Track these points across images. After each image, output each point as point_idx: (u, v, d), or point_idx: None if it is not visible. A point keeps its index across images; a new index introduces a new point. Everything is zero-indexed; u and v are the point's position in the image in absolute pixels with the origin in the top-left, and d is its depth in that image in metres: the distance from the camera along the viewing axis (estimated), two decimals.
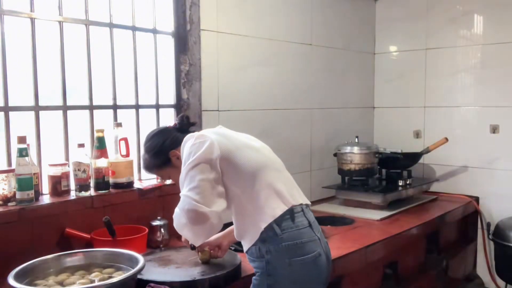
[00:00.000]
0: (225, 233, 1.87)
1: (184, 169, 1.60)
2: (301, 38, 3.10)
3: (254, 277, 1.67)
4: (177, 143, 1.76)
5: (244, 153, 1.66)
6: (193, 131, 1.80)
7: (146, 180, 2.41)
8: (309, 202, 1.77)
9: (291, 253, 1.61)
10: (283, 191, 1.66)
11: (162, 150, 1.78)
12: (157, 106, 2.50)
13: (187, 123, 1.86)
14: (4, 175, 1.88)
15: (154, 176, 2.39)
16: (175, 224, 1.65)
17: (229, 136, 1.72)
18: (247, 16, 2.72)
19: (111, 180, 2.18)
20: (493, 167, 3.29)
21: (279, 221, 1.61)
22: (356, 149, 3.08)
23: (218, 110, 2.58)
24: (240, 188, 1.63)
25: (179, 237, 2.31)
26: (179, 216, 1.60)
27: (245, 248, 1.69)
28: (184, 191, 1.58)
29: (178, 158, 1.74)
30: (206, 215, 1.53)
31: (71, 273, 1.63)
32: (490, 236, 3.18)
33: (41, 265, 1.61)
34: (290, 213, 1.64)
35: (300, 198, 1.73)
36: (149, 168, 1.85)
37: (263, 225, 1.60)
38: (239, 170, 1.63)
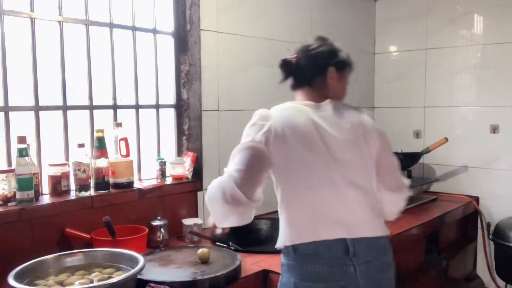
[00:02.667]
0: None
1: (238, 145, 1.54)
2: (301, 38, 3.07)
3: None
4: (339, 66, 1.67)
5: (295, 167, 1.52)
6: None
7: (146, 180, 2.41)
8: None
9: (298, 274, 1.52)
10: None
11: (322, 60, 1.67)
12: (157, 106, 2.50)
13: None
14: (4, 175, 1.88)
15: (154, 176, 2.40)
16: (207, 197, 1.57)
17: (295, 127, 1.53)
18: (247, 16, 2.72)
19: (111, 180, 2.18)
20: (493, 167, 3.29)
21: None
22: None
23: (218, 110, 2.58)
24: (285, 190, 1.55)
25: (179, 237, 2.32)
26: (214, 190, 1.52)
27: None
28: (231, 169, 1.50)
29: (332, 78, 1.66)
30: (242, 201, 1.47)
31: (71, 273, 1.63)
32: (490, 236, 3.18)
33: (41, 265, 1.61)
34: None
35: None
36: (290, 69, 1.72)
37: (288, 243, 1.52)
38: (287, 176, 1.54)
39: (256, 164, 1.51)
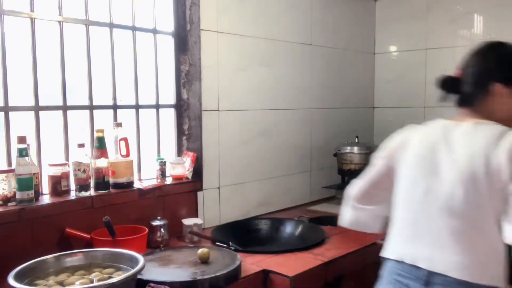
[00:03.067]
0: None
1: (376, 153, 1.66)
2: (301, 38, 3.09)
3: None
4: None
5: (400, 185, 1.54)
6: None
7: (146, 180, 2.41)
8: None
9: None
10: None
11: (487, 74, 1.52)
12: (157, 106, 2.50)
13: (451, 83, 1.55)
14: (4, 175, 1.88)
15: (154, 176, 2.40)
16: None
17: (418, 145, 1.50)
18: (247, 16, 2.72)
19: (111, 180, 2.18)
20: None
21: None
22: (356, 149, 3.08)
23: (218, 110, 2.58)
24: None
25: (179, 237, 2.32)
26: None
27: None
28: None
29: (501, 96, 1.47)
30: (354, 207, 1.69)
31: (71, 273, 1.63)
32: None
33: (41, 265, 1.61)
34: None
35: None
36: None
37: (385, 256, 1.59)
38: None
39: (373, 177, 1.65)
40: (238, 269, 1.84)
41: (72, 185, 2.08)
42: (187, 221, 2.30)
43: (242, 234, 2.40)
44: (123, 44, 2.34)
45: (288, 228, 2.50)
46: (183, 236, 2.30)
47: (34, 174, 1.92)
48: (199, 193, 2.49)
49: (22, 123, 2.03)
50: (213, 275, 1.72)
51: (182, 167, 2.48)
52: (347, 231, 2.52)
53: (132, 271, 1.53)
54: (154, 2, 2.44)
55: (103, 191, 2.13)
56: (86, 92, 2.22)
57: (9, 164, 1.98)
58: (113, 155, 2.20)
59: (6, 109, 1.96)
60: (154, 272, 1.77)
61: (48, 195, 2.04)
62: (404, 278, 1.48)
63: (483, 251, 1.36)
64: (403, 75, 3.66)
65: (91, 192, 2.11)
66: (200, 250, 1.92)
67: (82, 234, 1.98)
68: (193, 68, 2.50)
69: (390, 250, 1.55)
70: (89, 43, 2.20)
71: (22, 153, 1.86)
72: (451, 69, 3.01)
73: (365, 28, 3.68)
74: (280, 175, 2.93)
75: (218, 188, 2.59)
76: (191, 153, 2.50)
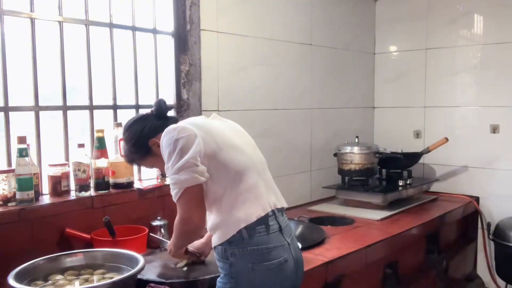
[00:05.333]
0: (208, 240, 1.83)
1: (174, 166, 1.51)
2: (301, 38, 3.09)
3: (218, 279, 1.62)
4: (156, 131, 1.67)
5: (227, 154, 1.57)
6: (171, 118, 1.75)
7: (146, 180, 2.41)
8: (285, 205, 1.69)
9: (255, 258, 1.54)
10: (262, 195, 1.59)
11: (142, 139, 1.68)
12: None
13: (165, 108, 1.74)
14: (4, 175, 1.88)
15: (154, 175, 2.40)
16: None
17: (210, 131, 1.60)
18: (247, 16, 2.72)
19: (111, 180, 2.18)
20: (493, 167, 3.29)
21: (249, 225, 1.54)
22: (356, 149, 3.08)
23: (218, 110, 2.58)
24: (222, 189, 1.56)
25: None
26: None
27: (212, 244, 1.61)
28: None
29: (159, 146, 1.63)
30: None
31: (71, 273, 1.63)
32: (491, 236, 3.18)
33: (41, 265, 1.61)
34: (263, 218, 1.56)
35: (277, 201, 1.65)
36: (131, 159, 1.76)
37: (235, 229, 1.53)
38: (221, 171, 1.56)
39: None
40: None
41: (72, 185, 2.08)
42: None
43: None
44: (123, 44, 2.34)
45: None
46: None
47: (34, 174, 1.92)
48: None
49: (22, 123, 2.03)
50: (213, 275, 1.72)
51: None
52: (347, 231, 2.52)
53: (132, 271, 1.53)
54: (154, 2, 2.44)
55: (103, 191, 2.13)
56: (86, 92, 2.22)
57: (9, 164, 1.98)
58: (113, 155, 2.20)
59: (6, 109, 1.96)
60: (154, 272, 1.77)
61: (48, 195, 2.04)
62: (281, 233, 1.61)
63: None
64: (403, 75, 3.66)
65: (91, 192, 2.11)
66: None
67: (82, 234, 1.98)
68: (193, 68, 2.50)
69: (259, 211, 1.57)
70: (89, 43, 2.20)
71: (22, 153, 1.86)
72: (451, 69, 3.06)
73: (365, 28, 3.69)
74: (280, 175, 2.93)
75: None
76: None
